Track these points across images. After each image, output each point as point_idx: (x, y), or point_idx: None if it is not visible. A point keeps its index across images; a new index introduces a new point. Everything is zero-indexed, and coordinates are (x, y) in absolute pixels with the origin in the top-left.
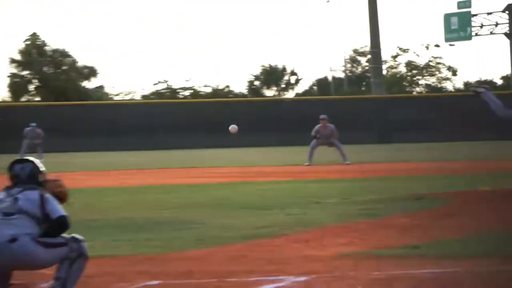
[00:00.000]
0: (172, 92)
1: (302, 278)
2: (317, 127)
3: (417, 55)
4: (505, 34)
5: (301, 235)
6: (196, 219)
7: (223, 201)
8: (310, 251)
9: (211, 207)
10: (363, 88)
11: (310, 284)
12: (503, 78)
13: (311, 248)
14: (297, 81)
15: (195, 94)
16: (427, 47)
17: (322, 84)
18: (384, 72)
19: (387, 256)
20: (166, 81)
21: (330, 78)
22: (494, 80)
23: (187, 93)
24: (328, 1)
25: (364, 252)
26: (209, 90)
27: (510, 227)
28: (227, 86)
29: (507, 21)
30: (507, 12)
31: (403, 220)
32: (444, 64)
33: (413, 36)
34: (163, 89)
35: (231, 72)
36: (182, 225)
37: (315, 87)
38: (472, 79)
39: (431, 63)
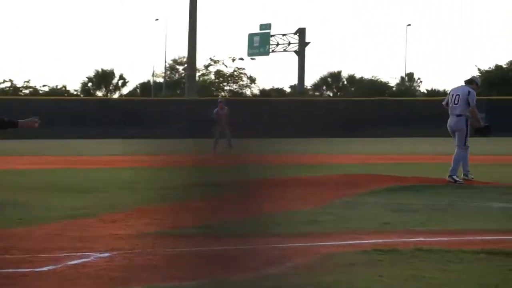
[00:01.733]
0: (15, 90)
1: (106, 254)
2: (215, 109)
3: (225, 65)
4: (295, 51)
5: (110, 216)
6: (21, 200)
7: (48, 184)
8: (116, 230)
9: (37, 190)
10: (178, 91)
11: (113, 259)
12: (291, 86)
13: (117, 227)
14: (124, 83)
15: (35, 92)
16: (233, 60)
17: (145, 87)
18: (197, 78)
19: (180, 235)
20: (12, 80)
21: (151, 82)
22: (284, 88)
23: (27, 91)
24: (156, 20)
25: (162, 232)
26: (46, 89)
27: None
28: (64, 86)
29: (297, 42)
30: (297, 34)
31: (199, 204)
32: (245, 74)
33: (223, 49)
34: (7, 87)
35: (67, 73)
36: (7, 205)
37: (138, 90)
38: (268, 86)
39: (235, 73)
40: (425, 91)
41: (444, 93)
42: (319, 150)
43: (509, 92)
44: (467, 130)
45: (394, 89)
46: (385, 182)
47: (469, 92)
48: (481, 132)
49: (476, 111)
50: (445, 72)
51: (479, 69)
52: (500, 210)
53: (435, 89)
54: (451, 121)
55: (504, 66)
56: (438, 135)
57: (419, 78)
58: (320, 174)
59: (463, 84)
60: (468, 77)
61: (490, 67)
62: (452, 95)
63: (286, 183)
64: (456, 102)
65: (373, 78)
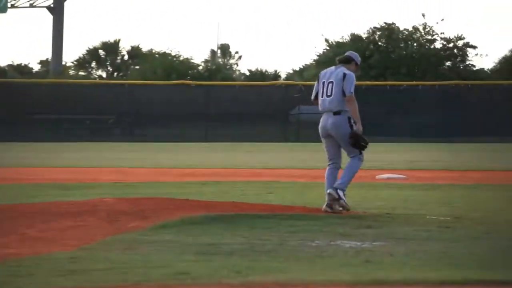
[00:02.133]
0: None
1: None
2: None
3: None
4: (48, 8)
5: None
6: None
7: None
8: None
9: None
10: None
11: None
12: (41, 62)
13: None
14: None
15: None
16: None
17: None
18: None
19: None
20: None
21: None
22: (31, 65)
23: None
24: None
25: None
26: None
27: None
28: None
29: None
30: None
31: None
32: None
33: None
34: None
35: None
36: None
37: None
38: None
39: None
40: (247, 72)
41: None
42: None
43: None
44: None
45: (200, 68)
46: (188, 210)
47: (344, 75)
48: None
49: (356, 104)
50: (274, 46)
51: (327, 41)
52: (352, 252)
53: (262, 70)
54: (325, 122)
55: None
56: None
57: (237, 53)
58: (85, 198)
59: (337, 64)
60: (343, 55)
61: (343, 38)
62: (323, 83)
63: (32, 212)
64: (329, 94)
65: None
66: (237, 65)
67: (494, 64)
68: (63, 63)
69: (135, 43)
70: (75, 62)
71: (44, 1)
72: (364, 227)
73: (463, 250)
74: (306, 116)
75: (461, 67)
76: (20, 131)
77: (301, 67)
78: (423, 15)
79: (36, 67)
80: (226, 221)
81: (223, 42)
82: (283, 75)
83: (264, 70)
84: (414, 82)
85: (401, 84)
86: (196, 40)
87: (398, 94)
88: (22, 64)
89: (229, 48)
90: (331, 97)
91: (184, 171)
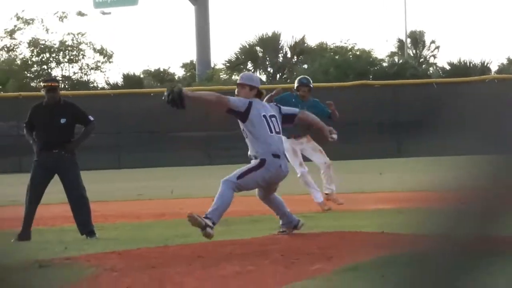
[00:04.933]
0: None
1: None
2: None
3: (46, 29)
4: None
5: None
6: None
7: None
8: None
9: None
10: None
11: None
12: (184, 65)
13: None
14: None
15: None
16: (61, 18)
17: None
18: None
19: None
20: None
21: None
22: (171, 71)
23: None
24: None
25: None
26: None
27: None
28: None
29: None
30: None
31: None
32: (92, 45)
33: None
34: None
35: None
36: None
37: None
38: (137, 68)
39: (70, 43)
40: (447, 66)
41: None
42: None
43: None
44: None
45: (385, 65)
46: (383, 247)
47: None
48: None
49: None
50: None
51: None
52: None
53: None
54: None
55: None
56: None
57: (433, 42)
58: (253, 234)
59: None
60: None
61: None
62: None
63: (190, 255)
64: None
65: (344, 45)
66: (434, 57)
67: None
68: (212, 65)
69: (298, 36)
70: (227, 64)
71: None
72: None
73: None
74: None
75: None
76: (162, 154)
77: None
78: None
79: (178, 72)
80: None
81: (413, 29)
82: (493, 67)
83: (468, 62)
84: None
85: None
86: (376, 28)
87: None
88: (161, 69)
89: (423, 36)
90: None
91: (374, 196)
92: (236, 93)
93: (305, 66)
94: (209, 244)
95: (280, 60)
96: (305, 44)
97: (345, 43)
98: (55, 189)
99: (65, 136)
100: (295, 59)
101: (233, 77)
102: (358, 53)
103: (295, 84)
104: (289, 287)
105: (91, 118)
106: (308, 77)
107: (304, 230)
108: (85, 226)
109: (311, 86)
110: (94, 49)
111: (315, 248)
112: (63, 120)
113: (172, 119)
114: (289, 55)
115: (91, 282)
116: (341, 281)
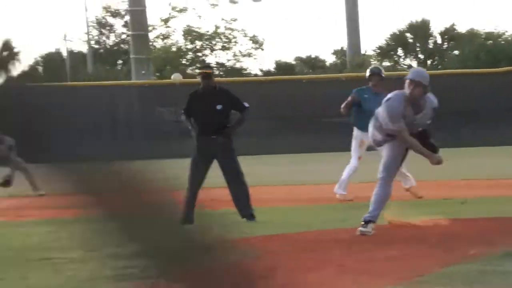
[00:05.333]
0: None
1: None
2: None
3: (199, 16)
4: None
5: None
6: None
7: None
8: None
9: None
10: (118, 67)
11: None
12: (335, 52)
13: None
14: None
15: None
16: (213, 5)
17: (53, 61)
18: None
19: None
20: None
21: (65, 52)
22: (322, 57)
23: None
24: None
25: None
26: None
27: None
28: None
29: None
30: None
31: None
32: (244, 32)
33: None
34: None
35: None
36: None
37: (40, 67)
38: (289, 55)
39: (222, 31)
40: None
41: None
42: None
43: None
44: None
45: None
46: None
47: None
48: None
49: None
50: None
51: None
52: None
53: None
54: None
55: None
56: None
57: None
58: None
59: None
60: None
61: None
62: None
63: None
64: None
65: (495, 33)
66: None
67: None
68: (362, 52)
69: (448, 23)
70: (377, 50)
71: None
72: None
73: None
74: None
75: None
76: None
77: None
78: None
79: (329, 59)
80: None
81: None
82: None
83: None
84: None
85: None
86: None
87: None
88: (312, 56)
89: None
90: None
91: None
92: (408, 89)
93: (456, 52)
94: None
95: (431, 46)
96: (455, 31)
97: (496, 29)
98: (214, 174)
99: (222, 122)
100: (446, 45)
101: (384, 63)
102: (510, 38)
103: (367, 74)
104: (449, 269)
105: (246, 105)
106: (380, 67)
107: (461, 215)
108: (245, 209)
109: (383, 75)
110: (246, 36)
111: (474, 232)
112: (219, 107)
113: (324, 105)
114: (439, 41)
115: (254, 263)
116: (502, 265)
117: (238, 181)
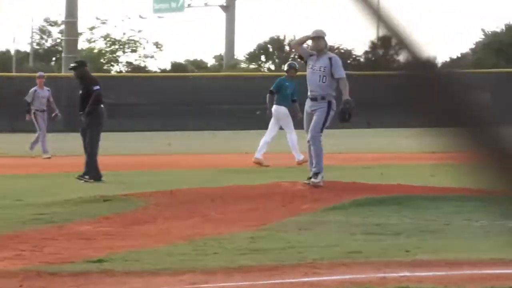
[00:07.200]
0: None
1: None
2: (33, 89)
3: (115, 26)
4: (222, 6)
5: None
6: None
7: None
8: None
9: None
10: (52, 63)
11: None
12: (216, 57)
13: None
14: None
15: None
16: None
17: (3, 58)
18: (81, 46)
19: (62, 272)
20: None
21: (13, 51)
22: (205, 60)
23: None
24: None
25: (34, 268)
26: None
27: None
28: None
29: None
30: None
31: (86, 228)
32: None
33: (119, 4)
34: None
35: None
36: None
37: None
38: (181, 57)
39: (132, 38)
40: None
41: None
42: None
43: None
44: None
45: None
46: (355, 193)
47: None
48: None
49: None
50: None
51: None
52: None
53: None
54: None
55: None
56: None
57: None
58: (261, 181)
59: None
60: None
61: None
62: None
63: (213, 195)
64: None
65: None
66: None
67: None
68: (235, 57)
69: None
70: (247, 56)
71: (218, 1)
72: None
73: None
74: None
75: None
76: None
77: None
78: None
79: (211, 62)
80: (392, 202)
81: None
82: None
83: None
84: None
85: None
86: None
87: None
88: (198, 59)
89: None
90: None
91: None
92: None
93: None
94: (230, 187)
95: (284, 55)
96: None
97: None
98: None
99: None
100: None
101: (251, 66)
102: None
103: (285, 68)
104: (286, 220)
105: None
106: (295, 62)
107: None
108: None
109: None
110: (148, 43)
111: (307, 193)
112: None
113: (208, 94)
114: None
115: (141, 212)
116: (324, 216)
117: None
